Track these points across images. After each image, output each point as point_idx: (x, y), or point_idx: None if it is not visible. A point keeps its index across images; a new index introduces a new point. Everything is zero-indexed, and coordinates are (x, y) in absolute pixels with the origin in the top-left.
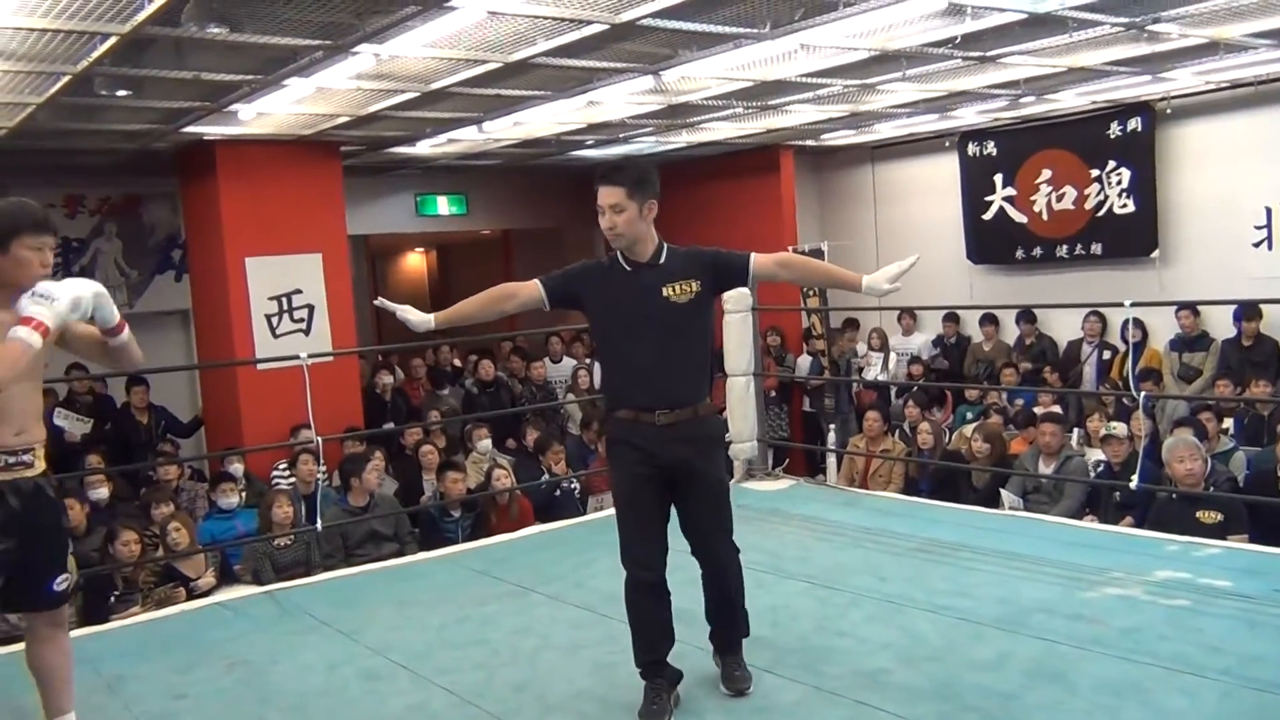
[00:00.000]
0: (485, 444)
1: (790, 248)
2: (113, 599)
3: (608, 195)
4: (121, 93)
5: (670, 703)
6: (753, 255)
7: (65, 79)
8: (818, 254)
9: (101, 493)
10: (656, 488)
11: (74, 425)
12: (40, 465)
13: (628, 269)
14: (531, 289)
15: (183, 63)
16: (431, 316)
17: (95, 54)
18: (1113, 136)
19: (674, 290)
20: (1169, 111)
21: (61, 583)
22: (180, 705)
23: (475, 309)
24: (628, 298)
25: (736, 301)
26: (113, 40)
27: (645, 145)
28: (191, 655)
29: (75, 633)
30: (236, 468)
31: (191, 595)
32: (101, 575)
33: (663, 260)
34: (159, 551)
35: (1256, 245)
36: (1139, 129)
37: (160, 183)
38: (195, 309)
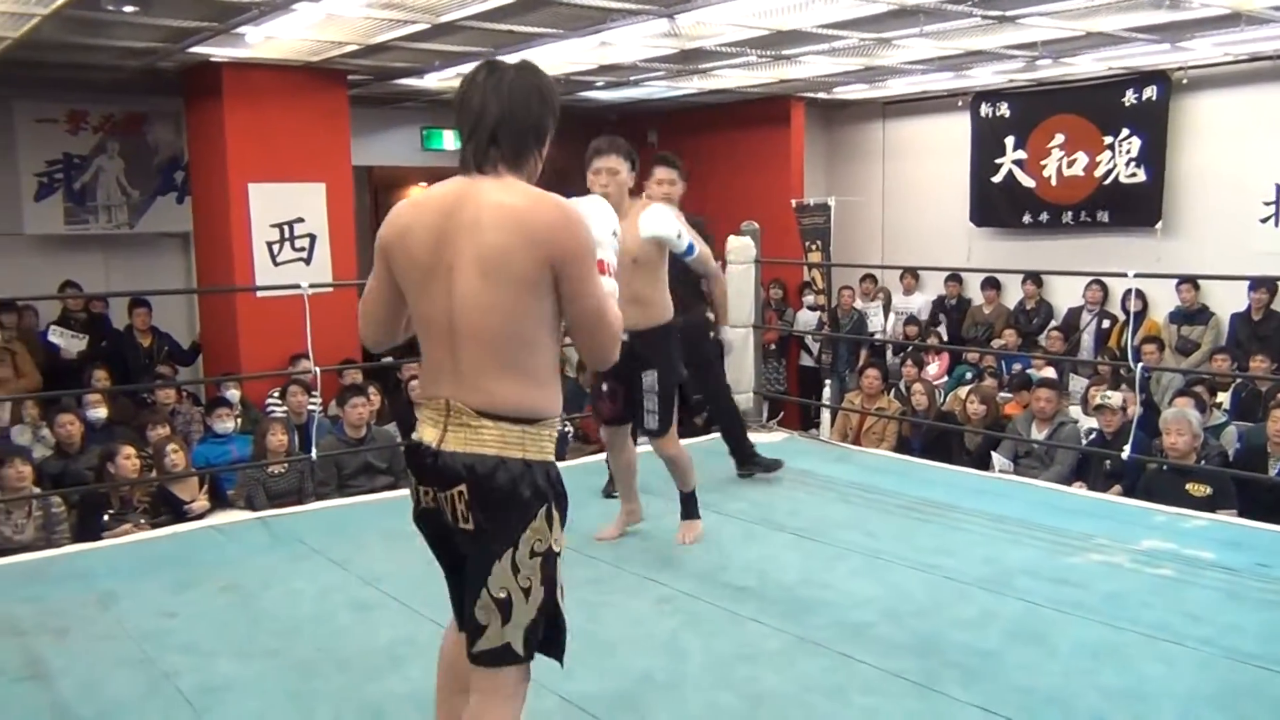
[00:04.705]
0: None
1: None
2: (106, 517)
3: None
4: (129, 8)
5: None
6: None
7: None
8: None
9: (100, 413)
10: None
11: (69, 342)
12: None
13: None
14: None
15: None
16: None
17: None
18: (1127, 104)
19: None
20: (1185, 82)
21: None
22: (171, 623)
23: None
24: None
25: (739, 253)
26: None
27: (656, 89)
28: (183, 576)
29: (68, 549)
30: (233, 394)
31: (184, 518)
32: (96, 493)
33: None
34: (153, 473)
35: (1264, 221)
36: (1154, 98)
37: (165, 102)
38: (196, 233)
